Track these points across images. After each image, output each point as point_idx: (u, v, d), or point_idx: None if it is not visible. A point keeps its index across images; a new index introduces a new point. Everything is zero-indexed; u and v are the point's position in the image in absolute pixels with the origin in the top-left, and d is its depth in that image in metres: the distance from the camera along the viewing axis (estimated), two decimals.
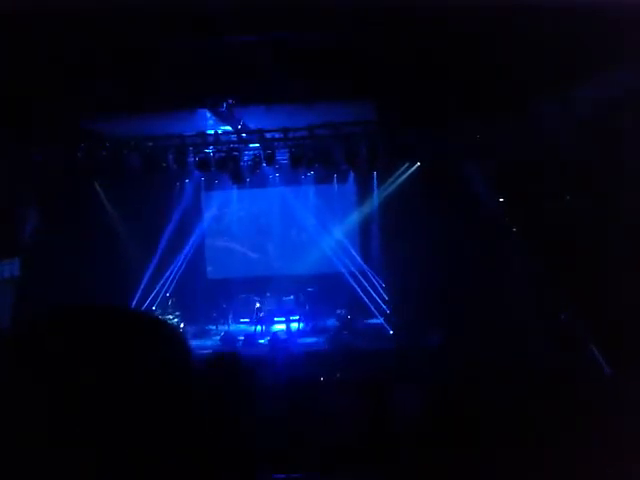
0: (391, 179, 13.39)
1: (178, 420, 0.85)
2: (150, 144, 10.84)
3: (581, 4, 4.42)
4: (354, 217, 14.13)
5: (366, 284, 13.67)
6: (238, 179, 11.94)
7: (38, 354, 0.80)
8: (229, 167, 11.08)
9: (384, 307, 13.33)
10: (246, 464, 1.73)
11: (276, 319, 13.25)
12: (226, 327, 13.16)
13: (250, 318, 13.19)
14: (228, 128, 10.19)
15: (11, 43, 4.98)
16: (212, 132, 10.44)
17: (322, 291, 13.52)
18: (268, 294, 13.59)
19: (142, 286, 12.95)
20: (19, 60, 5.43)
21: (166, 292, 13.57)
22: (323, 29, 5.41)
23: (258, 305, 13.14)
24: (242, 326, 13.37)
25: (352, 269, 13.90)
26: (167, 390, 0.85)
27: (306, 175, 13.57)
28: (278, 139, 10.74)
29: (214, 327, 13.27)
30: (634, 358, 5.05)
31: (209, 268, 14.34)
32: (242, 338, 12.14)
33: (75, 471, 0.75)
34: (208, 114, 8.92)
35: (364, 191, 13.91)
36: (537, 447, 1.53)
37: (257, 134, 10.60)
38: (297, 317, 13.27)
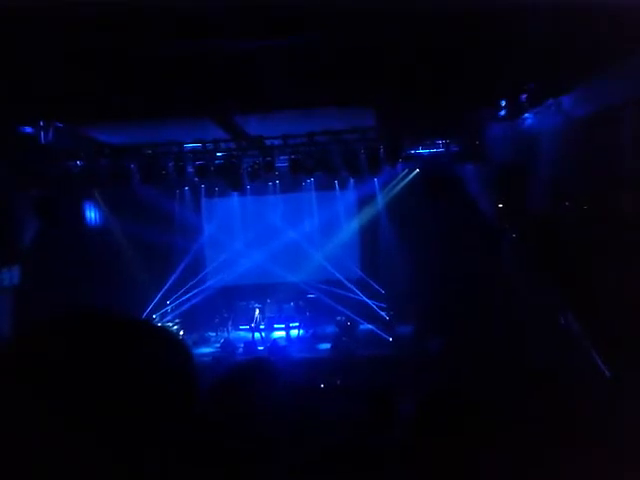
0: (391, 185, 13.42)
1: (181, 426, 0.85)
2: (149, 152, 10.86)
3: (581, 4, 4.44)
4: (354, 224, 14.15)
5: (366, 291, 13.66)
6: (238, 186, 11.94)
7: (39, 359, 0.80)
8: (229, 174, 11.09)
9: (383, 314, 13.32)
10: (249, 469, 1.73)
11: (276, 326, 13.23)
12: (226, 334, 13.14)
13: (250, 325, 13.17)
14: (228, 135, 10.20)
15: (9, 46, 4.99)
16: (212, 139, 10.45)
17: (322, 298, 13.51)
18: (268, 301, 13.58)
19: (142, 293, 12.94)
20: (17, 63, 5.45)
21: (166, 299, 13.56)
22: (322, 36, 5.43)
23: (258, 312, 13.12)
24: (242, 333, 13.35)
25: (352, 276, 13.91)
26: (169, 396, 0.85)
27: (306, 182, 13.61)
28: (278, 146, 10.76)
29: (214, 334, 13.26)
30: (633, 361, 5.05)
31: (209, 275, 14.33)
32: (242, 345, 12.12)
33: (79, 476, 0.75)
34: (208, 121, 8.93)
35: (364, 197, 13.94)
36: (537, 451, 1.53)
37: (257, 141, 10.62)
38: (297, 324, 13.26)
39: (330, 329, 13.18)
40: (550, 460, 1.49)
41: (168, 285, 13.49)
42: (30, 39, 4.94)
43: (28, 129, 8.40)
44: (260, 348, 12.12)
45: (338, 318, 13.17)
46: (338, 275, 13.76)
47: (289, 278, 13.70)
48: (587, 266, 6.99)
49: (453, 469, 1.58)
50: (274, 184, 13.61)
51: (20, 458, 0.75)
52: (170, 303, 13.54)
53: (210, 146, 10.63)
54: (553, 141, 8.18)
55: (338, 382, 8.08)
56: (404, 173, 13.05)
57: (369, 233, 14.00)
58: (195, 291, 13.81)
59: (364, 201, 13.96)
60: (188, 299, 13.63)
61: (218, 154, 10.87)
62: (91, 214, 12.83)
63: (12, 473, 0.74)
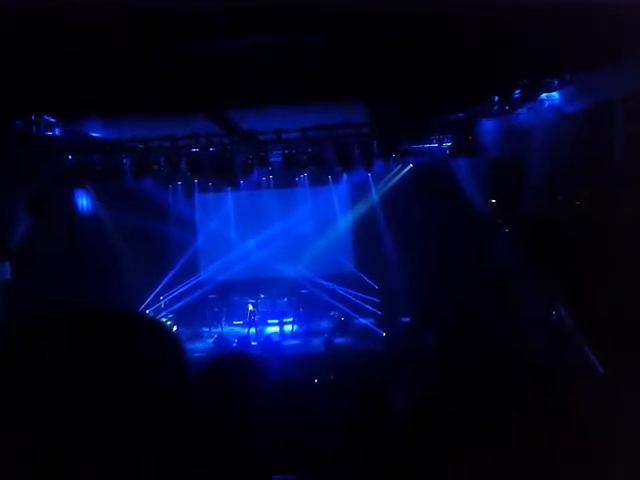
0: (384, 180, 13.44)
1: (173, 422, 0.85)
2: (142, 146, 10.81)
3: (575, 2, 4.44)
4: (347, 219, 14.15)
5: (359, 286, 13.68)
6: (231, 181, 11.91)
7: (29, 354, 0.79)
8: (222, 169, 11.05)
9: (377, 309, 13.34)
10: (243, 464, 1.73)
11: (269, 321, 13.24)
12: (219, 329, 13.13)
13: (243, 320, 13.16)
14: (221, 130, 10.16)
15: (4, 42, 4.96)
16: (205, 134, 10.41)
17: (315, 293, 13.52)
18: (262, 296, 13.57)
19: (135, 288, 12.90)
20: (10, 58, 5.41)
21: (159, 295, 13.53)
22: (316, 31, 5.42)
23: (251, 307, 13.12)
24: (235, 328, 13.35)
25: (345, 271, 13.92)
26: (161, 390, 0.85)
27: (299, 177, 13.60)
28: (271, 141, 10.73)
29: (207, 329, 13.24)
30: (627, 357, 5.08)
31: (202, 270, 14.30)
32: (236, 341, 12.12)
33: (72, 471, 0.75)
34: (201, 116, 8.89)
35: (357, 193, 13.94)
36: (532, 448, 1.53)
37: (250, 136, 10.58)
38: (290, 319, 13.27)
39: (324, 324, 13.21)
40: (545, 457, 1.49)
41: (162, 280, 13.46)
42: (24, 35, 4.91)
43: (20, 124, 8.35)
44: (254, 343, 12.12)
45: (332, 313, 13.19)
46: (332, 270, 13.78)
47: (282, 273, 13.70)
48: (580, 261, 7.03)
49: (448, 466, 1.58)
50: (267, 179, 13.59)
51: (10, 456, 0.74)
52: (164, 298, 13.51)
53: (203, 141, 10.59)
54: (546, 136, 8.21)
55: (332, 377, 8.09)
56: (398, 168, 13.06)
57: (363, 228, 14.01)
58: (189, 286, 13.79)
59: (358, 196, 13.95)
60: (182, 294, 13.60)
61: (211, 149, 10.83)
62: (83, 209, 12.78)
63: (3, 472, 0.74)
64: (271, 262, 13.84)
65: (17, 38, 4.97)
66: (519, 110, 8.85)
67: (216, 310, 13.50)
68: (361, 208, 13.96)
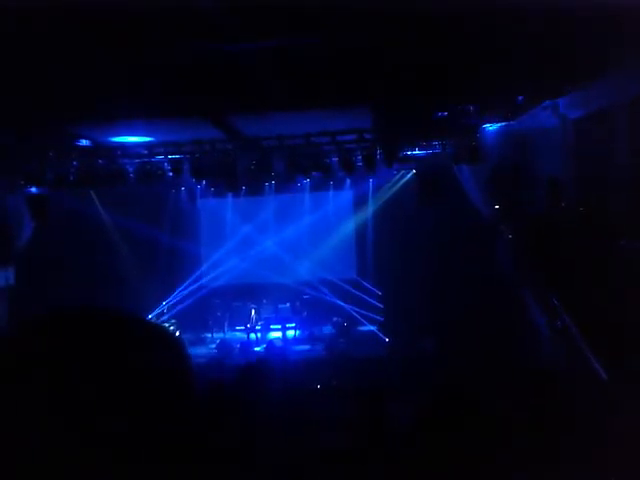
0: (386, 186, 13.44)
1: (177, 427, 0.85)
2: (146, 152, 10.84)
3: (579, 7, 4.45)
4: (350, 225, 14.14)
5: (362, 291, 13.66)
6: (234, 187, 11.93)
7: (34, 356, 0.79)
8: (225, 175, 11.07)
9: (380, 314, 13.31)
10: (246, 467, 1.73)
11: (272, 326, 13.20)
12: (222, 335, 13.11)
13: (246, 326, 13.14)
14: (224, 135, 10.18)
15: (7, 45, 4.98)
16: (208, 139, 10.43)
17: (318, 298, 13.49)
18: (264, 301, 13.55)
19: (138, 293, 12.90)
20: (15, 62, 5.43)
21: (162, 300, 13.53)
22: (320, 37, 5.43)
23: (254, 312, 13.10)
24: (238, 334, 13.32)
25: (348, 276, 13.90)
26: (164, 394, 0.85)
27: (302, 183, 13.59)
28: (274, 147, 10.74)
29: (210, 335, 13.22)
30: (629, 363, 5.06)
31: (205, 275, 14.30)
32: (238, 346, 12.09)
33: (73, 475, 0.75)
34: (204, 121, 8.91)
35: (360, 198, 13.94)
36: (534, 452, 1.53)
37: (253, 141, 10.60)
38: (293, 324, 13.23)
39: (327, 330, 13.17)
40: (547, 460, 1.49)
41: (164, 285, 13.46)
42: (23, 37, 4.93)
43: (24, 129, 8.37)
44: (257, 349, 12.09)
45: (334, 319, 13.15)
46: (334, 276, 13.75)
47: (285, 279, 13.68)
48: (583, 266, 7.01)
49: (450, 470, 1.58)
50: (270, 185, 13.58)
51: (12, 458, 0.74)
52: (166, 303, 13.51)
53: (206, 146, 10.61)
54: (550, 142, 8.20)
55: (334, 383, 8.07)
56: (400, 174, 13.06)
57: (365, 234, 14.00)
58: (191, 291, 13.78)
59: (360, 202, 13.96)
60: (184, 300, 13.59)
61: (214, 154, 10.84)
62: (87, 214, 12.79)
63: (5, 473, 0.74)
64: (273, 267, 13.82)
65: (16, 40, 4.99)
66: (522, 116, 8.85)
67: (218, 315, 13.49)
68: (363, 214, 13.96)
